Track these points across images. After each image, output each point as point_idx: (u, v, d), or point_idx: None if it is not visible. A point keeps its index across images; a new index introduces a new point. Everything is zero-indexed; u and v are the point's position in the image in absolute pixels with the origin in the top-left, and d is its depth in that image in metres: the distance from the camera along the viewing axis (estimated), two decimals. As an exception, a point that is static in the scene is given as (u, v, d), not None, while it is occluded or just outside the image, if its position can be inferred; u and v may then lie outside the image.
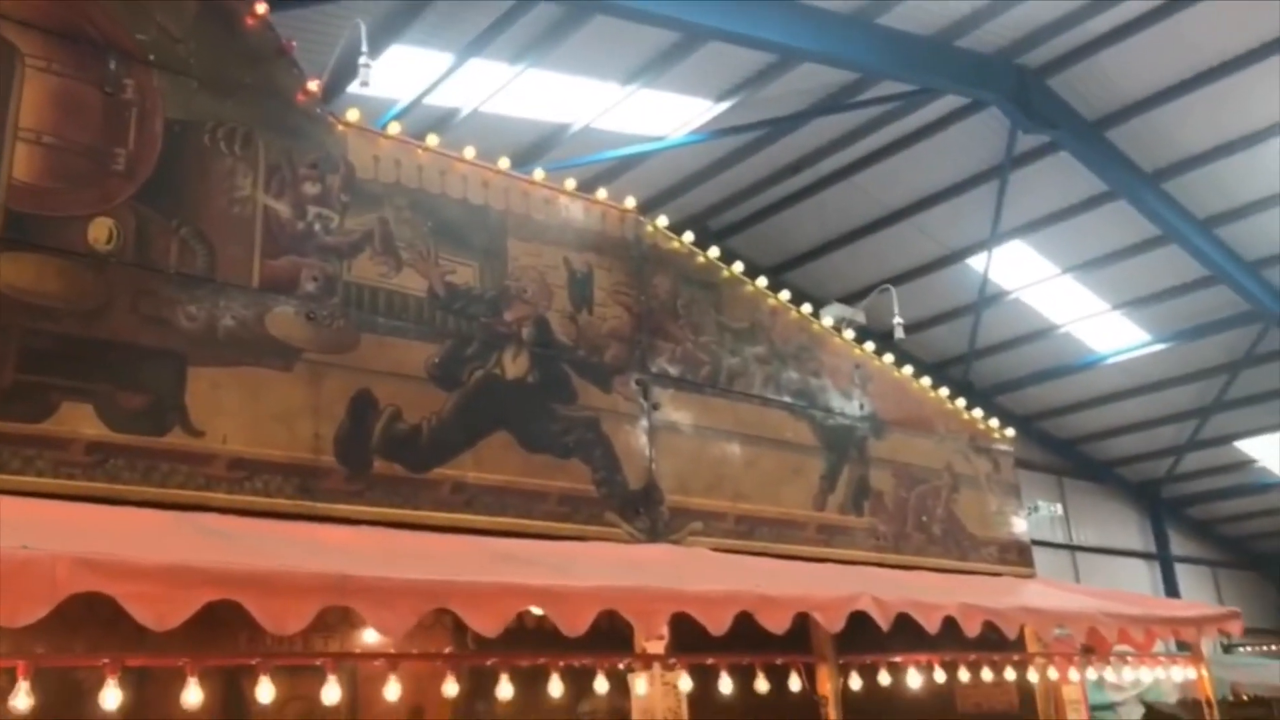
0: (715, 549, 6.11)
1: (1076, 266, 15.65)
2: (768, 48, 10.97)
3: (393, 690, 4.09)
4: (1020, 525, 8.49)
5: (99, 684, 3.50)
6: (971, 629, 5.37)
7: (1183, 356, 17.55)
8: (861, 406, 7.55)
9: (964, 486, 8.07)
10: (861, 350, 7.80)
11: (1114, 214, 14.30)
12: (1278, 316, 15.96)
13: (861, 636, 5.27)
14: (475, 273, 5.65)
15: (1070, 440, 20.51)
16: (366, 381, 5.06)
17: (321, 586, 3.43)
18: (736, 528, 6.40)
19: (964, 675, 6.07)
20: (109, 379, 4.33)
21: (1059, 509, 19.31)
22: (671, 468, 6.19)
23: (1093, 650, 6.97)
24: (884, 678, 5.76)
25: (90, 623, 4.39)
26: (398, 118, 9.69)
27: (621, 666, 4.89)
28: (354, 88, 8.49)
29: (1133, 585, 18.56)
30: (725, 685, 4.96)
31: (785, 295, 7.38)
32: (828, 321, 7.76)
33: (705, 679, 5.01)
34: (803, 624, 5.09)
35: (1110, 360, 17.60)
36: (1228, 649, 17.84)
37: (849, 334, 7.94)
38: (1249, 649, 18.84)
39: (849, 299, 14.31)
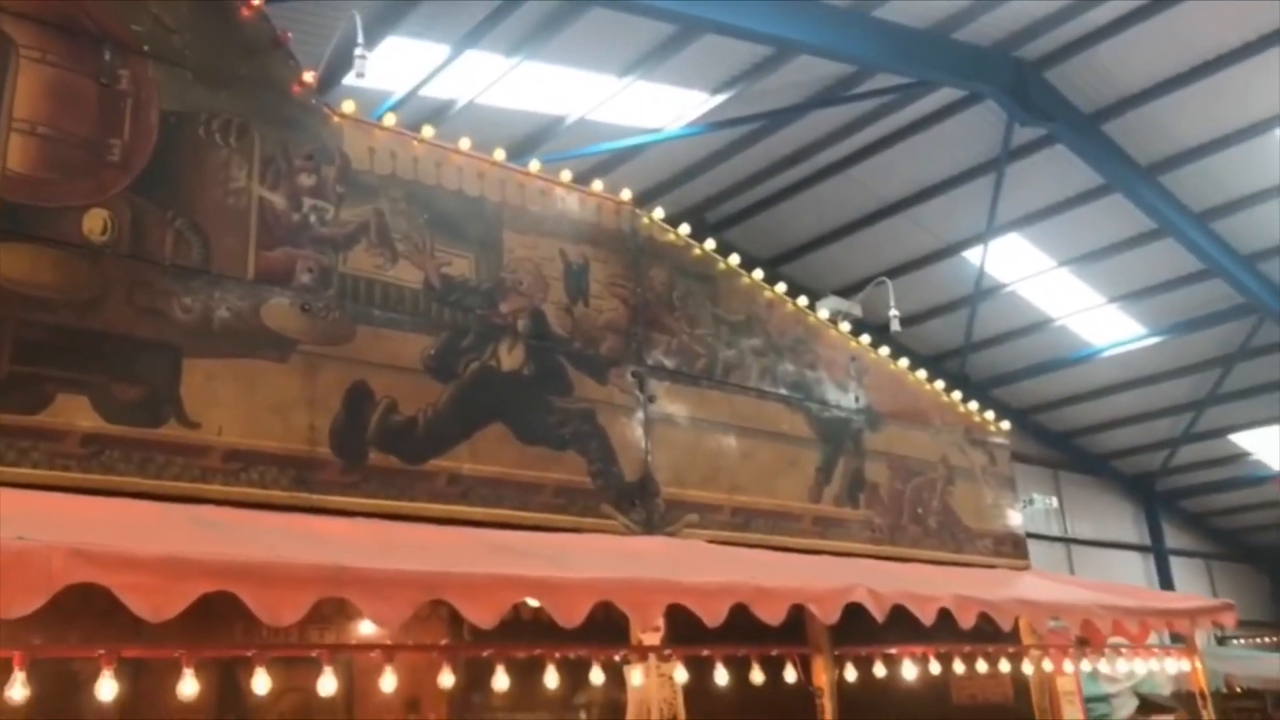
0: (711, 541, 6.12)
1: (1072, 259, 15.67)
2: (764, 40, 10.96)
3: (389, 681, 4.08)
4: (1015, 518, 8.51)
5: (95, 675, 3.50)
6: (966, 621, 5.38)
7: (1178, 350, 17.58)
8: (857, 399, 7.55)
9: (959, 479, 8.08)
10: (857, 343, 7.81)
11: (1110, 207, 14.32)
12: (1273, 310, 15.99)
13: (857, 628, 5.29)
14: (471, 264, 5.65)
15: (1065, 433, 20.56)
16: (362, 373, 5.06)
17: (317, 578, 3.43)
18: (732, 520, 6.41)
19: (959, 667, 6.09)
20: (104, 371, 4.32)
21: (1054, 502, 19.38)
22: (667, 460, 6.20)
23: (1087, 642, 6.99)
24: (879, 669, 5.77)
25: (86, 614, 4.39)
26: (393, 109, 9.69)
27: (617, 658, 4.90)
28: (350, 79, 8.50)
29: (1127, 578, 18.60)
30: (721, 677, 4.97)
31: (781, 288, 7.39)
32: (824, 314, 7.76)
33: (701, 670, 5.01)
34: (798, 616, 5.10)
35: (1106, 353, 17.64)
36: (1221, 641, 17.93)
37: (845, 326, 7.94)
38: (1242, 641, 18.93)
39: (845, 291, 14.32)
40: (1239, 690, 14.50)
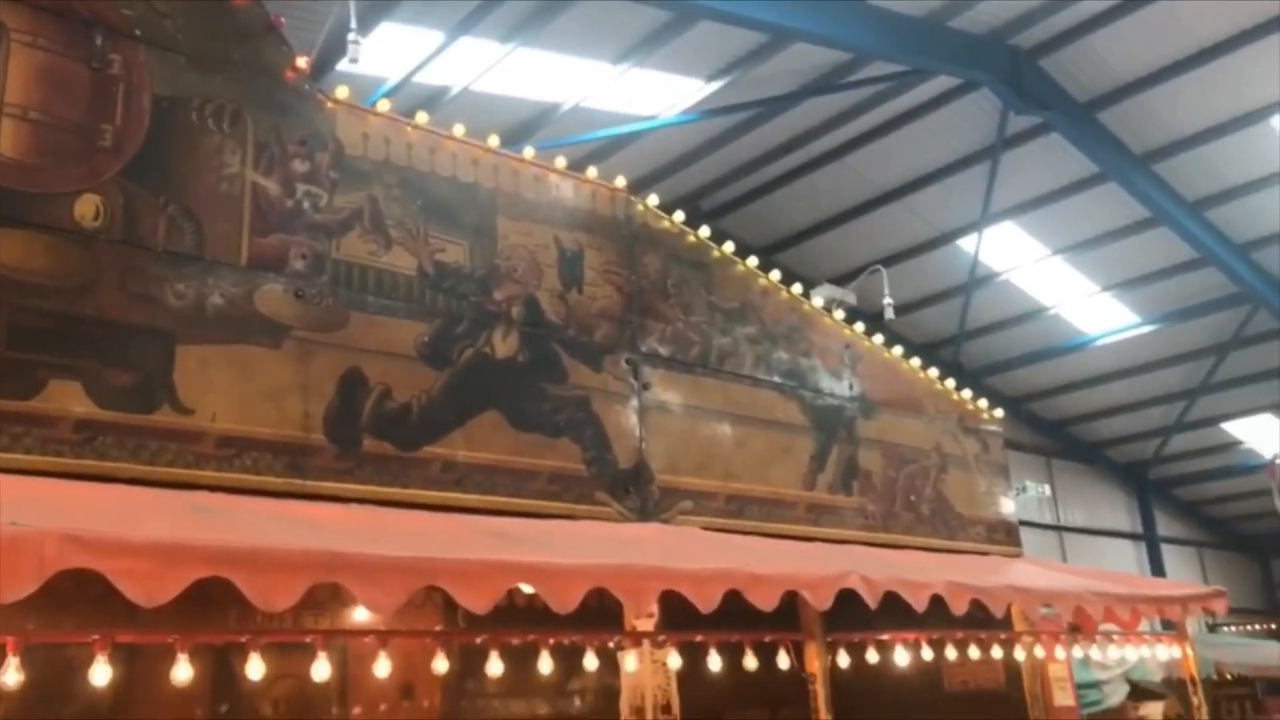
0: (705, 528, 6.13)
1: (1067, 248, 15.69)
2: (759, 27, 10.93)
3: (383, 667, 4.09)
4: (1008, 505, 8.54)
5: (88, 661, 3.50)
6: (959, 607, 5.40)
7: (1171, 338, 17.63)
8: (851, 387, 7.56)
9: (952, 467, 8.10)
10: (852, 331, 7.81)
11: (1104, 196, 14.32)
12: (1266, 299, 16.03)
13: (850, 615, 5.30)
14: (465, 251, 5.63)
15: (1059, 421, 20.62)
16: (356, 360, 5.05)
17: (311, 563, 3.43)
18: (726, 507, 6.43)
19: (951, 653, 6.12)
20: (97, 356, 4.31)
21: (1047, 490, 19.44)
22: (662, 447, 6.20)
23: (1079, 629, 7.03)
24: (872, 655, 5.79)
25: (80, 600, 4.40)
26: (387, 96, 9.65)
27: (611, 644, 4.91)
28: (343, 65, 8.47)
29: (1119, 565, 18.69)
30: (714, 663, 4.98)
31: (776, 275, 7.38)
32: (818, 302, 7.76)
33: (694, 656, 5.03)
34: (791, 602, 5.11)
35: (1099, 342, 17.68)
36: (1212, 629, 18.03)
37: (839, 314, 7.94)
38: (1233, 629, 19.04)
39: (840, 280, 14.33)
40: (1229, 677, 14.59)
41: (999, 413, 8.85)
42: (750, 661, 5.07)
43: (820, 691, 5.94)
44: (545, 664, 4.50)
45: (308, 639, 3.98)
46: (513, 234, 5.86)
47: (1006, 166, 13.68)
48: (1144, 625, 7.37)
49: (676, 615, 4.77)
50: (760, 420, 6.86)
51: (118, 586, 3.04)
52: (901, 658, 5.85)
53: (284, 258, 4.96)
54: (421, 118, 5.72)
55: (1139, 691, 12.61)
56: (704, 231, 6.99)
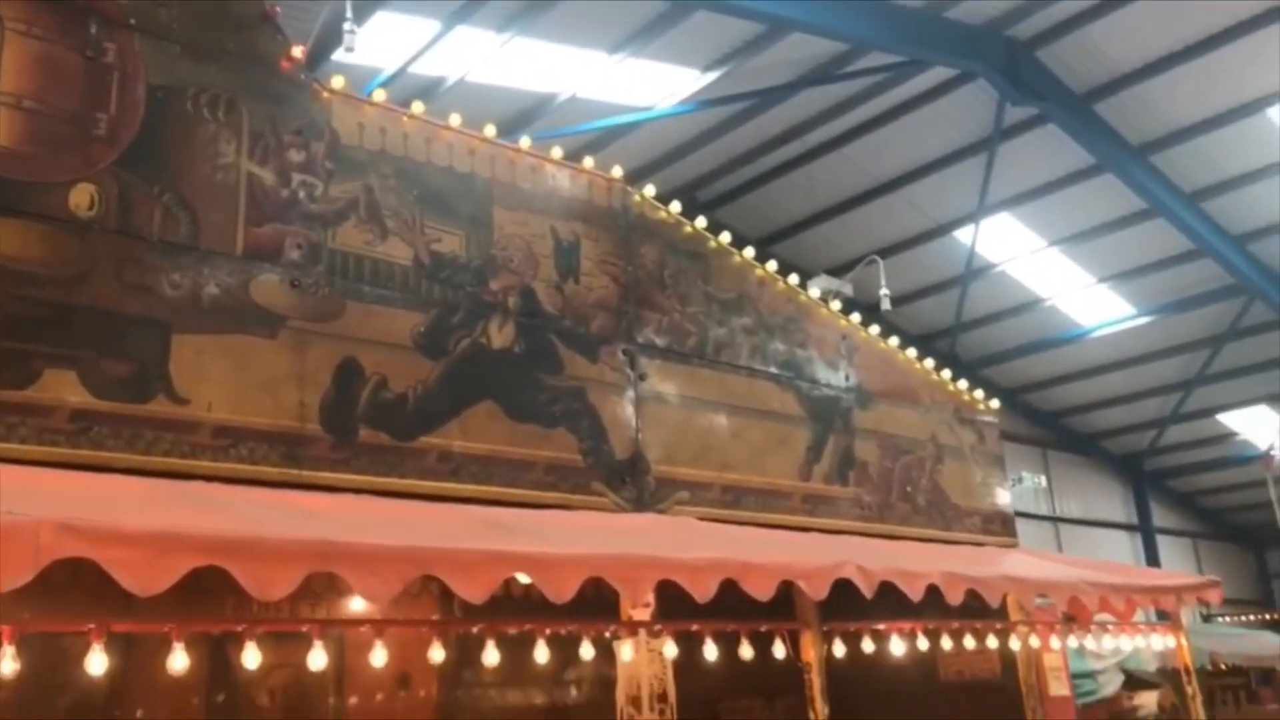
0: (701, 518, 6.14)
1: (1063, 239, 15.69)
2: (756, 17, 10.90)
3: (379, 657, 4.09)
4: (1004, 496, 8.55)
5: (84, 651, 3.49)
6: (954, 597, 5.41)
7: (1167, 330, 17.65)
8: (847, 377, 7.57)
9: (948, 457, 8.11)
10: (848, 321, 7.81)
11: (1101, 187, 14.33)
12: (1262, 290, 16.05)
13: (846, 604, 5.31)
14: (461, 241, 5.63)
15: (1055, 413, 20.65)
16: (352, 350, 5.05)
17: (307, 552, 3.43)
18: (722, 497, 6.43)
19: (947, 643, 6.13)
20: (92, 346, 4.30)
21: (1043, 481, 19.49)
22: (658, 438, 6.21)
23: (1074, 619, 7.05)
24: (867, 645, 5.82)
25: (75, 590, 4.40)
26: (383, 86, 9.62)
27: (607, 634, 4.92)
28: (339, 55, 8.43)
29: (1115, 556, 18.75)
30: (710, 652, 5.00)
31: (772, 266, 7.38)
32: (815, 293, 7.76)
33: (690, 646, 5.05)
34: (787, 592, 5.13)
35: (1095, 333, 17.70)
36: (1207, 619, 18.08)
37: (836, 305, 7.95)
38: (1228, 619, 19.10)
39: (836, 271, 14.31)
40: (1223, 667, 14.65)
41: (995, 403, 8.87)
42: (746, 651, 5.09)
43: (816, 681, 5.97)
44: (541, 653, 4.51)
45: (304, 628, 3.97)
46: (509, 224, 5.85)
47: (1003, 158, 13.68)
48: (1139, 615, 7.40)
49: (673, 605, 4.78)
50: (756, 411, 6.86)
51: (113, 575, 3.04)
52: (897, 647, 5.87)
53: (279, 247, 4.94)
54: (417, 108, 5.71)
55: (1134, 681, 12.66)
56: (701, 222, 6.98)
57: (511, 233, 5.85)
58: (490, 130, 5.95)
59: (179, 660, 3.60)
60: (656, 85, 12.11)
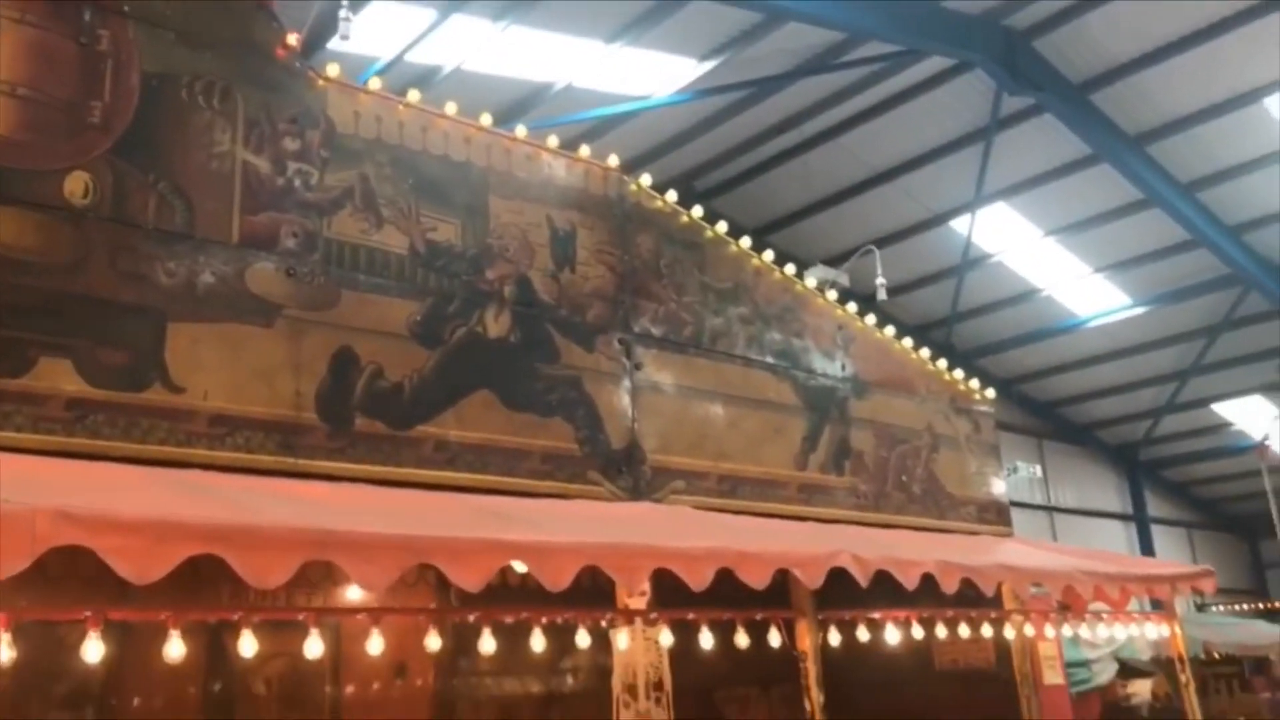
0: (697, 508, 6.15)
1: (1059, 229, 15.70)
2: (753, 6, 10.88)
3: (375, 644, 4.10)
4: (999, 486, 8.57)
5: (81, 639, 3.49)
6: (949, 586, 5.43)
7: (1163, 320, 17.68)
8: (844, 367, 7.57)
9: (944, 447, 8.13)
10: (844, 311, 7.82)
11: (1097, 177, 14.33)
12: (1257, 280, 16.07)
13: (841, 593, 5.33)
14: (457, 230, 5.62)
15: (1050, 403, 20.68)
16: (348, 338, 5.04)
17: (303, 541, 3.43)
18: (718, 487, 6.44)
19: (942, 632, 6.15)
20: (88, 334, 4.29)
21: (1038, 470, 19.53)
22: (654, 427, 6.21)
23: (1068, 607, 7.08)
24: (862, 634, 5.83)
25: (72, 579, 4.40)
26: (378, 75, 9.59)
27: (603, 622, 4.93)
28: (334, 43, 8.41)
29: (1109, 546, 18.79)
30: (706, 640, 5.01)
31: (769, 256, 7.37)
32: (811, 283, 7.76)
33: (686, 634, 5.06)
34: (783, 580, 5.14)
35: (1091, 323, 17.72)
36: (1200, 608, 18.16)
37: (832, 295, 7.95)
38: (1221, 608, 19.17)
39: (832, 261, 14.32)
40: (1217, 656, 14.71)
41: (990, 393, 8.88)
42: (742, 639, 5.10)
43: (811, 669, 5.98)
44: (538, 642, 4.52)
45: (300, 617, 3.98)
46: (505, 213, 5.84)
47: (1000, 148, 13.68)
48: (1133, 604, 7.43)
49: (669, 593, 4.79)
50: (752, 400, 6.87)
51: (109, 563, 3.04)
52: (892, 636, 5.88)
53: (275, 236, 4.93)
54: (413, 95, 5.69)
55: (1127, 670, 12.71)
56: (697, 212, 6.97)
57: (507, 221, 5.84)
58: (486, 119, 5.94)
59: (175, 648, 3.60)
60: (653, 74, 12.08)
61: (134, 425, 4.34)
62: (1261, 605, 19.96)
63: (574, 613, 4.65)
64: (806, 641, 5.94)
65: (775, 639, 5.37)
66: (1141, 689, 12.73)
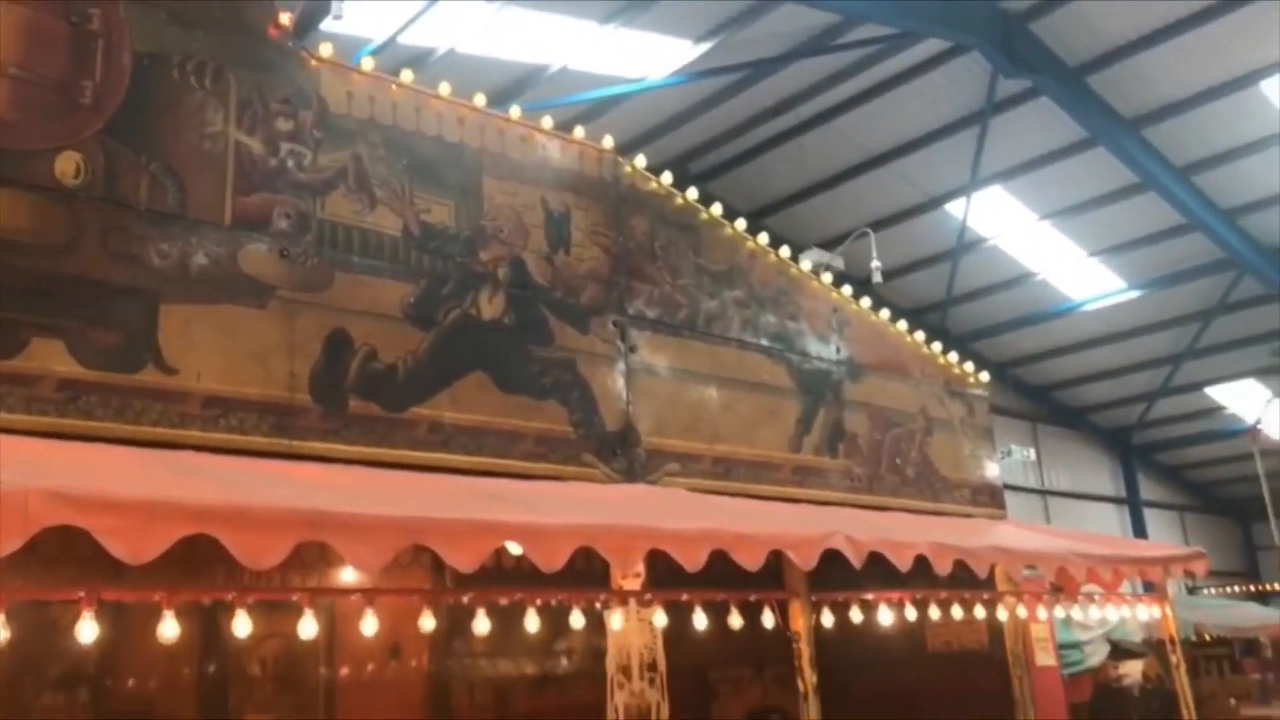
0: (692, 490, 6.15)
1: (1054, 213, 15.70)
2: (749, -12, 10.84)
3: (370, 625, 4.10)
4: (993, 469, 8.59)
5: (75, 620, 3.49)
6: (942, 567, 5.44)
7: (1157, 304, 17.71)
8: (838, 350, 7.58)
9: (938, 430, 8.14)
10: (839, 294, 7.81)
11: (1093, 160, 14.33)
12: (1252, 264, 16.09)
13: (834, 575, 5.34)
14: (451, 211, 5.60)
15: (1044, 386, 20.73)
16: (341, 320, 5.02)
17: (297, 521, 3.43)
18: (713, 469, 6.45)
19: (935, 613, 6.17)
20: (80, 315, 4.27)
21: (1031, 454, 19.60)
22: (648, 409, 6.21)
23: (1061, 589, 7.10)
24: (856, 615, 5.84)
25: (66, 560, 4.42)
26: (372, 56, 9.53)
27: (598, 604, 4.93)
28: (328, 23, 8.36)
29: (1102, 529, 18.88)
30: (700, 621, 5.02)
31: (764, 239, 7.36)
32: (806, 266, 7.75)
33: (680, 615, 5.06)
34: (776, 562, 5.15)
35: (1086, 307, 17.75)
36: (1192, 591, 18.26)
37: (827, 278, 7.94)
38: (1213, 591, 19.29)
39: (828, 244, 14.32)
40: (1208, 638, 14.81)
41: (985, 377, 8.89)
42: (736, 620, 5.11)
43: (805, 650, 5.99)
44: (532, 623, 4.53)
45: (294, 596, 3.98)
46: (499, 194, 5.82)
47: (995, 131, 13.66)
48: (1125, 587, 7.47)
49: (663, 575, 4.80)
50: (747, 383, 6.87)
51: (103, 543, 3.03)
52: (885, 617, 5.90)
53: (268, 217, 4.91)
54: (406, 76, 5.66)
55: (1119, 651, 12.78)
56: (692, 194, 6.96)
57: (501, 203, 5.82)
58: (480, 99, 5.91)
59: (170, 628, 3.60)
60: (648, 56, 12.03)
61: (127, 406, 4.32)
62: (1253, 588, 20.09)
63: (568, 594, 4.65)
64: (800, 622, 5.94)
65: (769, 620, 5.38)
66: (1133, 670, 12.80)
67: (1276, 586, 19.47)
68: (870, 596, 5.86)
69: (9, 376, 4.06)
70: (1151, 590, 8.20)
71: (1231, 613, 16.07)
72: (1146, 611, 7.86)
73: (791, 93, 13.51)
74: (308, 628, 3.92)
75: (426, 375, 5.27)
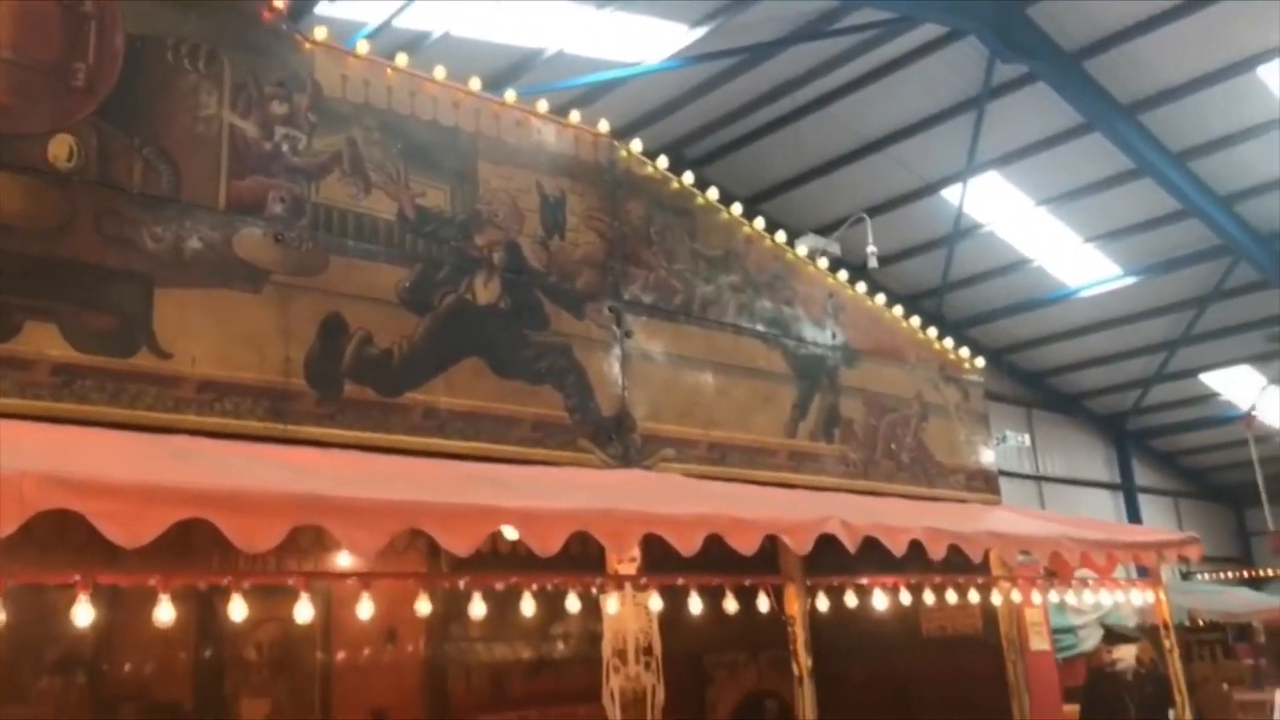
0: (687, 475, 6.16)
1: (1051, 199, 15.69)
2: (745, -28, 10.79)
3: (365, 609, 4.11)
4: (988, 455, 8.61)
5: (70, 604, 3.49)
6: (937, 552, 5.46)
7: (1153, 290, 17.72)
8: (834, 336, 7.58)
9: (933, 415, 8.15)
10: (835, 280, 7.81)
11: (1089, 146, 14.30)
12: (1247, 251, 16.10)
13: (829, 559, 5.35)
14: (446, 196, 5.58)
15: (1039, 372, 20.76)
16: (336, 304, 5.01)
17: (293, 505, 3.43)
18: (708, 454, 6.45)
19: (929, 598, 6.19)
20: (73, 299, 4.26)
21: (1026, 440, 19.62)
22: (644, 395, 6.21)
23: (1055, 574, 7.12)
24: (850, 599, 5.86)
25: (62, 546, 4.41)
26: (367, 40, 9.48)
27: (593, 588, 4.95)
28: (322, 7, 8.32)
29: (1097, 515, 18.89)
30: (695, 605, 5.04)
31: (760, 224, 7.35)
32: (802, 251, 7.75)
33: (676, 599, 5.08)
34: (772, 547, 5.17)
35: (1081, 293, 17.76)
36: (1186, 576, 18.33)
37: (823, 264, 7.93)
38: (1206, 576, 19.36)
39: (824, 230, 14.30)
40: (1201, 623, 14.87)
41: (980, 363, 8.90)
42: (731, 604, 5.13)
43: (799, 634, 6.01)
44: (528, 607, 4.54)
45: (290, 580, 3.98)
46: (494, 179, 5.81)
47: (992, 116, 13.63)
48: (1119, 571, 7.49)
49: (658, 559, 4.81)
50: (743, 368, 6.87)
51: (98, 527, 3.03)
52: (880, 602, 5.91)
53: (262, 201, 4.90)
54: (401, 59, 5.64)
55: (1113, 635, 12.82)
56: (688, 179, 6.94)
57: (497, 187, 5.80)
58: (475, 83, 5.88)
59: (165, 612, 3.60)
60: (644, 40, 11.99)
61: (122, 391, 4.31)
62: (1246, 573, 20.17)
63: (564, 578, 4.66)
64: (795, 607, 5.96)
65: (764, 604, 5.40)
66: (1126, 654, 12.82)
67: (1270, 572, 19.54)
68: (865, 581, 5.88)
69: (3, 360, 4.05)
70: (1145, 575, 8.23)
71: (1225, 598, 16.14)
72: (1140, 596, 7.89)
73: (788, 78, 13.47)
74: (303, 612, 3.93)
75: (422, 360, 5.26)
